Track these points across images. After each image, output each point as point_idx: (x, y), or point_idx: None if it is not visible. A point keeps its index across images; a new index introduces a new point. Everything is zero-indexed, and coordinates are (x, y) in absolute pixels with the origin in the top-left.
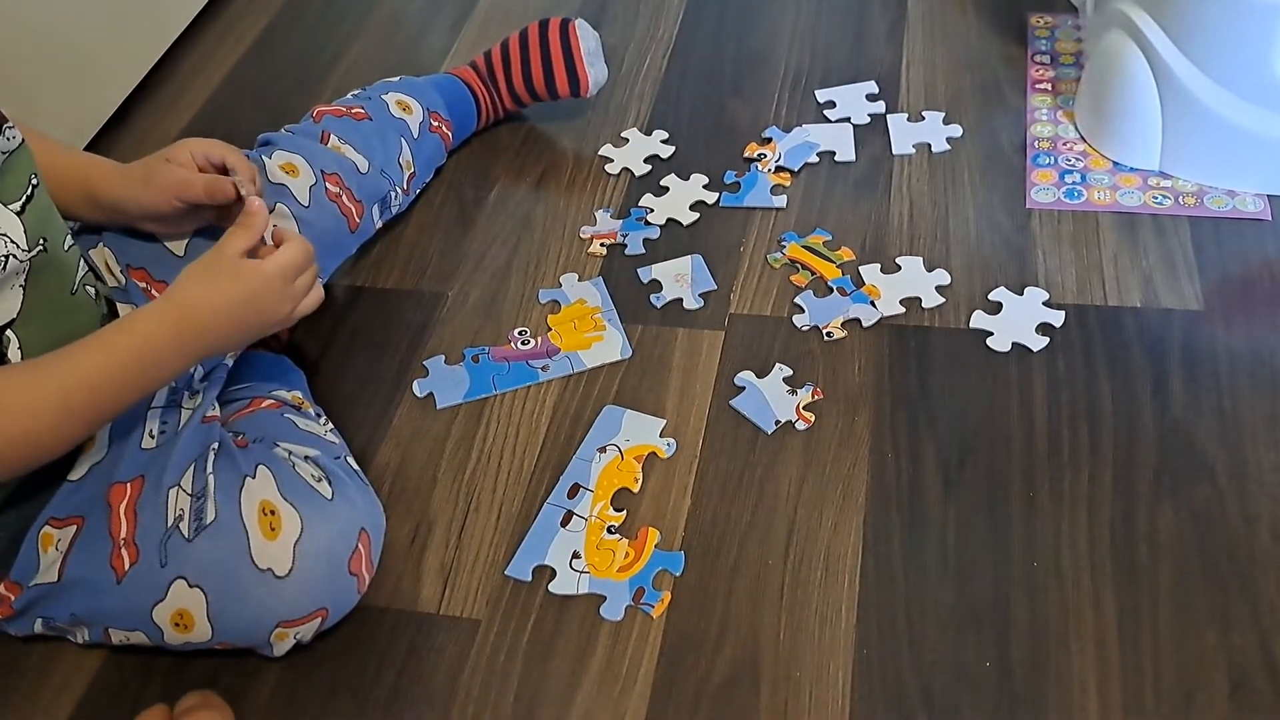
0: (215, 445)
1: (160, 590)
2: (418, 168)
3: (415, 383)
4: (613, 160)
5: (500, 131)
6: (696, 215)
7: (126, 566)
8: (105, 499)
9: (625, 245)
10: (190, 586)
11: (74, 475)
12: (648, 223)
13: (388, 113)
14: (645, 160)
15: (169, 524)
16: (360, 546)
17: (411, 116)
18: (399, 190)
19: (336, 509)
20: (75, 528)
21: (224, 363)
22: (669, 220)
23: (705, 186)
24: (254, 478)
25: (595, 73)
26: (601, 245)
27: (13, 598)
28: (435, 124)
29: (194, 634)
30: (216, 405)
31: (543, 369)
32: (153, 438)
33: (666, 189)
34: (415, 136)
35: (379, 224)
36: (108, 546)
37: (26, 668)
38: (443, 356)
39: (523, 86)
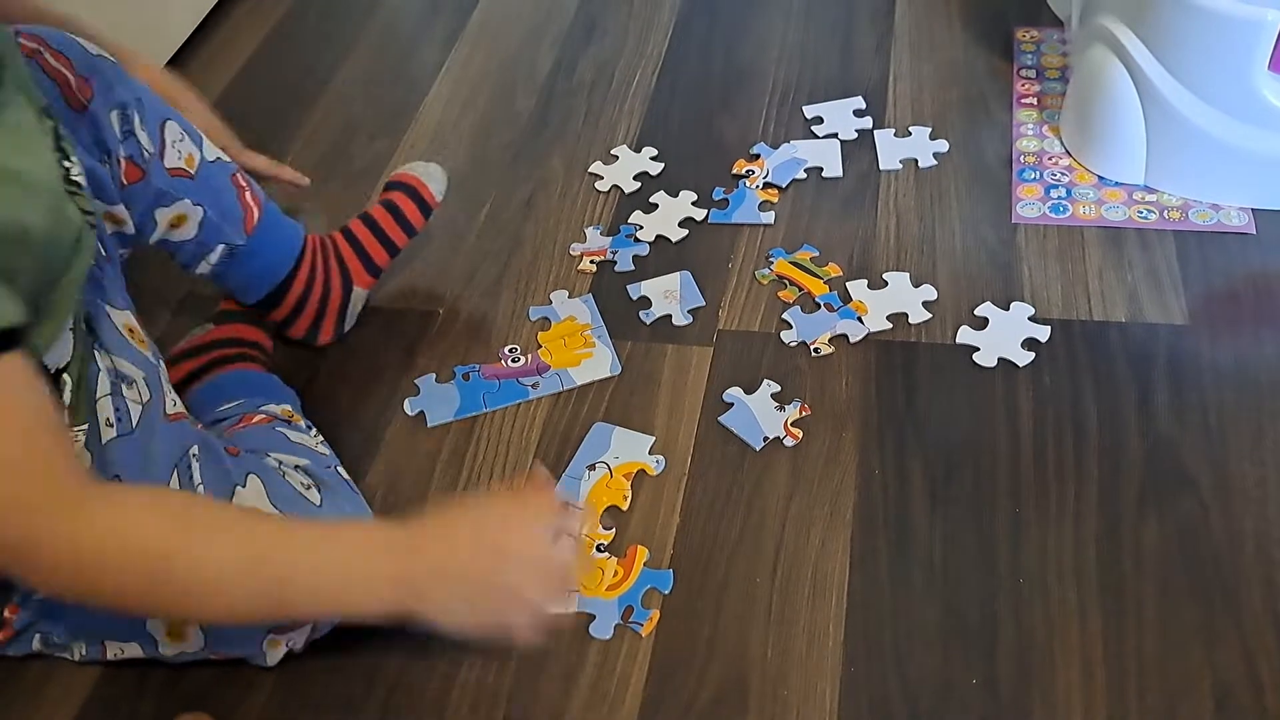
0: (194, 450)
1: None
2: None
3: (406, 401)
4: (603, 177)
5: (490, 149)
6: (685, 232)
7: None
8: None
9: (615, 262)
10: None
11: None
12: (637, 239)
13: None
14: (635, 177)
15: None
16: None
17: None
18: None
19: (325, 516)
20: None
21: (150, 360)
22: (658, 237)
23: (694, 203)
24: (244, 486)
25: (435, 186)
26: (591, 262)
27: (14, 618)
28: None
29: (188, 644)
30: (179, 402)
31: (533, 386)
32: (111, 426)
33: (656, 206)
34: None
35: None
36: None
37: (22, 685)
38: (433, 375)
39: (375, 243)
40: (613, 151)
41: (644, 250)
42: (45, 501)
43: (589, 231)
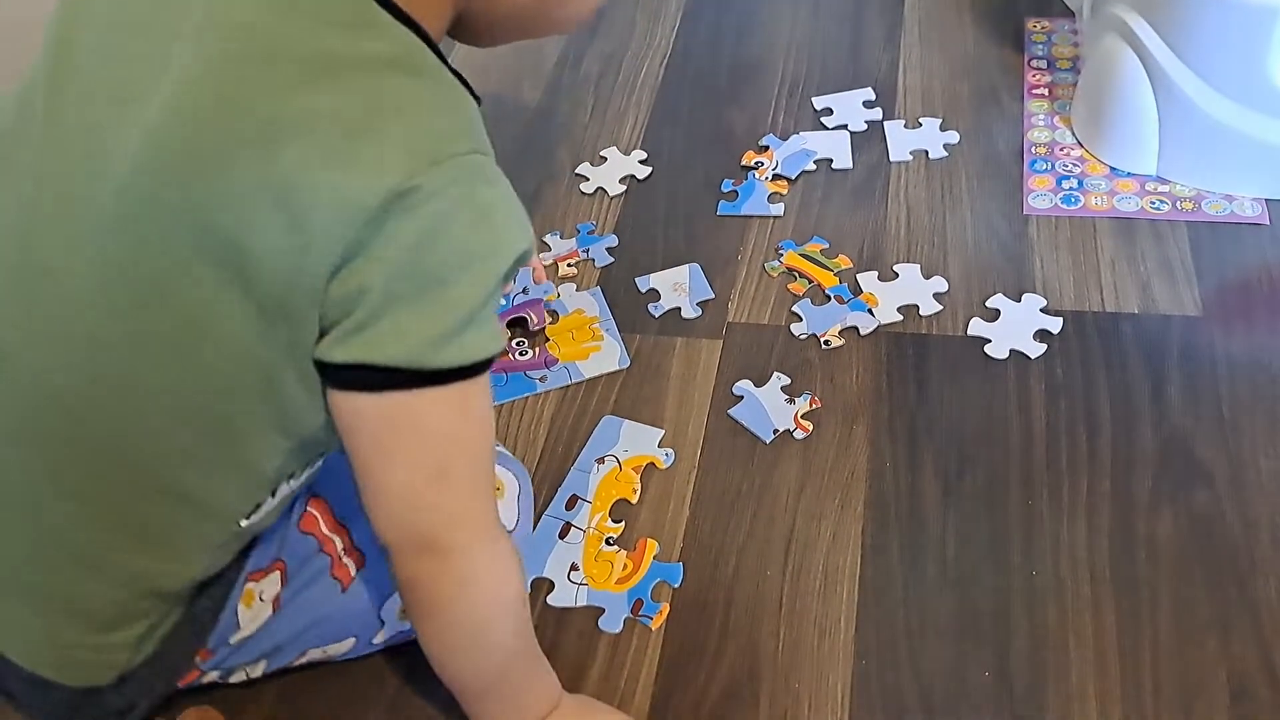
0: None
1: (392, 583)
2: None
3: None
4: (589, 179)
5: (496, 141)
6: (624, 188)
7: (352, 573)
8: (299, 530)
9: (593, 259)
10: None
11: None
12: (598, 234)
13: None
14: (621, 180)
15: None
16: None
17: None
18: None
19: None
20: (279, 571)
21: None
22: (598, 189)
23: (641, 162)
24: None
25: None
26: (569, 265)
27: (202, 661)
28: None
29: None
30: None
31: (540, 380)
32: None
33: (605, 159)
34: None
35: None
36: (325, 563)
37: None
38: None
39: None
40: (602, 153)
41: (613, 241)
42: (488, 524)
43: (549, 239)
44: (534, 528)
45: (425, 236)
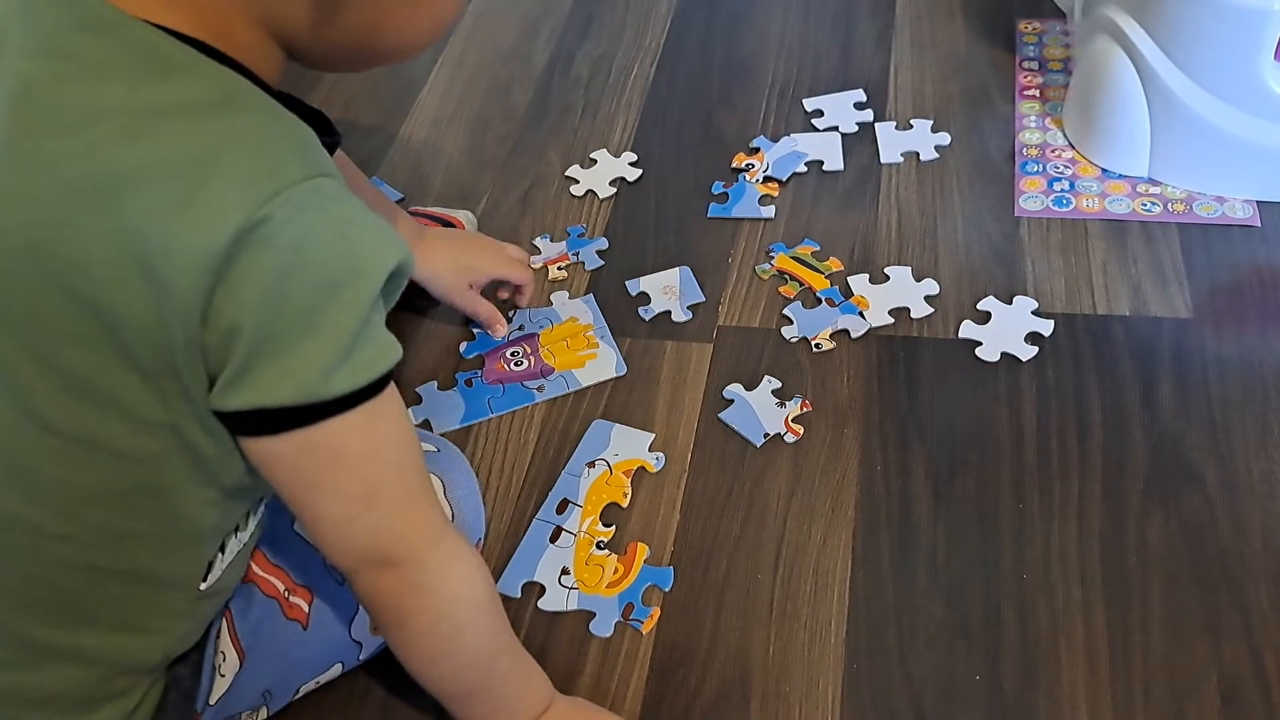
0: None
1: (352, 605)
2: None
3: (409, 410)
4: (579, 181)
5: (486, 143)
6: (614, 191)
7: (306, 609)
8: (242, 580)
9: (583, 262)
10: None
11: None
12: (588, 237)
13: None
14: (611, 183)
15: None
16: None
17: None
18: None
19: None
20: (225, 619)
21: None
22: (588, 192)
23: (632, 165)
24: None
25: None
26: (559, 269)
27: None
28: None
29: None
30: None
31: (538, 390)
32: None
33: (595, 161)
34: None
35: None
36: (273, 607)
37: None
38: (434, 382)
39: None
40: (591, 155)
41: (604, 244)
42: (434, 531)
43: (539, 242)
44: (484, 512)
45: (284, 269)
